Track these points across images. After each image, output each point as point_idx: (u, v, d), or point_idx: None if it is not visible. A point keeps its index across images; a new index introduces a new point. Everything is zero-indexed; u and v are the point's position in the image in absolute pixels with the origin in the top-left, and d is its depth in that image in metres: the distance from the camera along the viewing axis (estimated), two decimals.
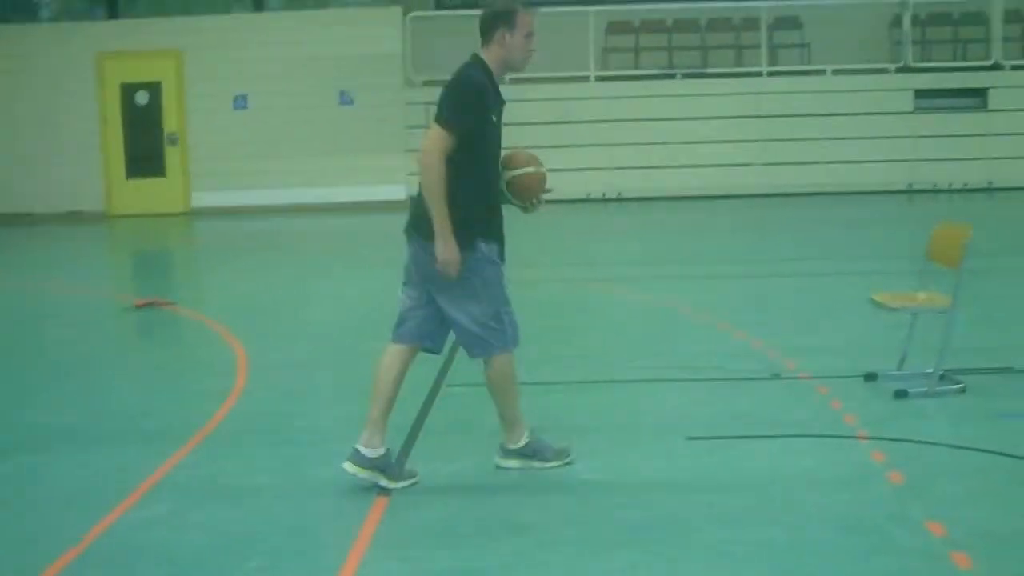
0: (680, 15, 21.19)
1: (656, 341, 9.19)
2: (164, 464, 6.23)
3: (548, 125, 19.40)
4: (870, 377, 7.45)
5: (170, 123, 20.87)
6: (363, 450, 5.75)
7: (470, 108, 5.62)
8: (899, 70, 20.40)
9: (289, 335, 9.96)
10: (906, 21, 20.46)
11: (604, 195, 19.83)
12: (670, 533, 5.12)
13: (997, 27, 20.49)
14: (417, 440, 6.54)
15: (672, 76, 20.22)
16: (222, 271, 14.82)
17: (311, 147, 20.33)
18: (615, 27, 20.94)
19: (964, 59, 20.86)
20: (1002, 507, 5.36)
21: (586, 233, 16.95)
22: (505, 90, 5.89)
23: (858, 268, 11.90)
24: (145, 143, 20.91)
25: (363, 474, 5.73)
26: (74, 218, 20.61)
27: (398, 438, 6.35)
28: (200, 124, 20.69)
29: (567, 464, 5.97)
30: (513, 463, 5.96)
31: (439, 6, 21.91)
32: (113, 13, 22.31)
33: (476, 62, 5.77)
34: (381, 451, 5.78)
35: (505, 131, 5.92)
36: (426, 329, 5.84)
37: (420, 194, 5.64)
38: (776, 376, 7.70)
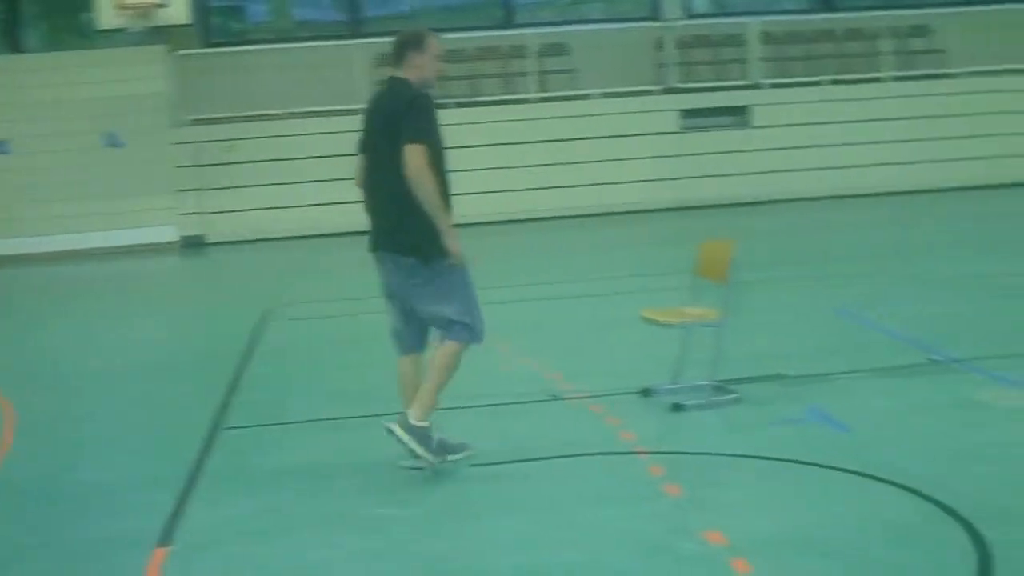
0: (448, 45, 21.24)
1: None
2: None
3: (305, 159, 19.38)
4: (646, 393, 7.57)
5: None
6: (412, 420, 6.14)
7: (432, 121, 6.19)
8: (664, 91, 20.92)
9: (67, 387, 9.58)
10: (668, 44, 21.01)
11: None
12: (472, 560, 5.10)
13: (755, 48, 21.22)
14: (196, 485, 6.34)
15: (445, 106, 20.31)
16: None
17: (79, 191, 19.64)
18: (384, 60, 20.90)
19: (725, 79, 21.52)
20: (778, 512, 5.49)
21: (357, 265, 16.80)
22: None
23: (631, 287, 12.06)
24: None
25: (406, 439, 6.11)
26: None
27: (175, 485, 6.16)
28: None
29: (449, 462, 6.23)
30: (403, 435, 6.15)
31: (207, 44, 21.49)
32: None
33: (402, 81, 6.28)
34: (426, 424, 6.16)
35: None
36: (419, 337, 6.49)
37: (389, 211, 6.22)
38: (555, 398, 7.75)
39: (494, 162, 19.97)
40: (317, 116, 19.76)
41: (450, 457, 6.23)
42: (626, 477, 6.09)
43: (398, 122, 6.09)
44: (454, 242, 6.17)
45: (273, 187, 19.72)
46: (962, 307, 10.27)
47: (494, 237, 18.52)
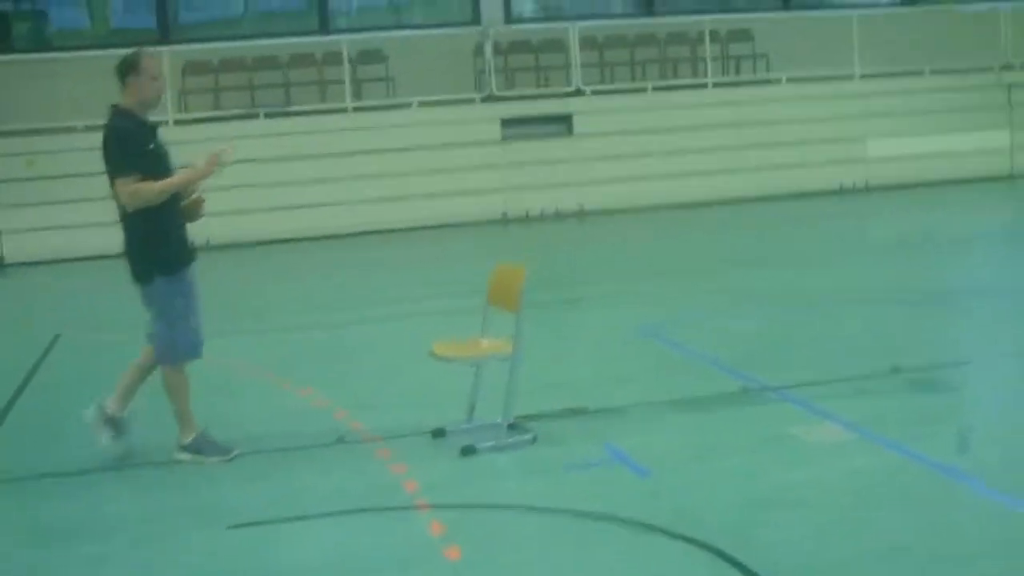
0: (260, 52, 20.49)
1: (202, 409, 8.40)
2: None
3: None
4: (438, 433, 7.02)
5: None
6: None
7: (127, 149, 6.56)
8: (484, 99, 20.42)
9: None
10: (488, 50, 20.51)
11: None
12: None
13: (575, 54, 20.84)
14: None
15: (255, 115, 19.52)
16: None
17: None
18: (193, 67, 20.01)
19: (547, 86, 21.13)
20: (562, 572, 4.98)
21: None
22: None
23: (435, 308, 11.47)
24: None
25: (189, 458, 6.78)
26: None
27: None
28: None
29: (232, 459, 6.77)
30: (184, 456, 6.81)
31: (5, 51, 20.30)
32: None
33: (116, 110, 6.69)
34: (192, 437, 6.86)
35: None
36: None
37: (123, 236, 6.75)
38: (341, 440, 7.13)
39: (307, 175, 19.23)
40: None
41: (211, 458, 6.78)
42: (402, 538, 5.51)
43: (105, 158, 6.60)
44: (196, 172, 6.74)
45: (79, 203, 18.68)
46: (779, 325, 9.95)
47: (299, 255, 17.83)
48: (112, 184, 6.61)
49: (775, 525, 5.35)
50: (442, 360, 6.88)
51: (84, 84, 19.02)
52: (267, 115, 19.43)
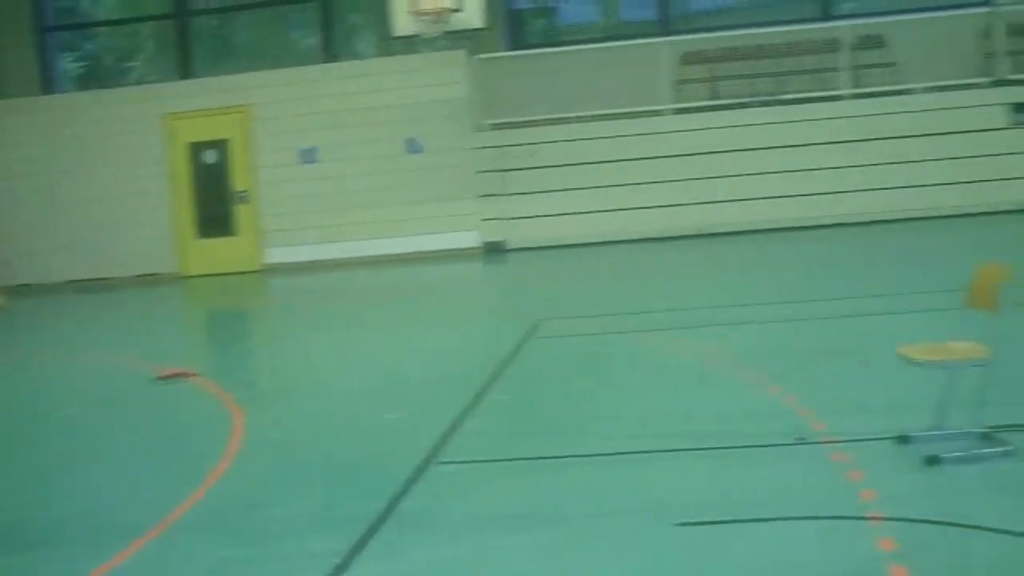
0: (758, 40, 20.31)
1: (671, 400, 8.34)
2: (100, 568, 5.60)
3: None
4: (903, 440, 6.54)
5: (239, 181, 20.55)
6: None
7: None
8: (993, 83, 19.19)
9: (302, 405, 9.35)
10: (999, 32, 19.25)
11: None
12: None
13: None
14: (379, 530, 5.82)
15: (750, 104, 19.39)
16: (267, 334, 14.37)
17: (382, 198, 19.85)
18: (690, 57, 20.16)
19: None
20: None
21: (640, 274, 16.11)
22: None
23: (922, 305, 10.86)
24: (215, 202, 20.63)
25: None
26: (149, 280, 20.41)
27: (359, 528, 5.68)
28: (269, 179, 20.35)
29: None
30: None
31: (514, 47, 21.28)
32: (185, 74, 22.13)
33: None
34: None
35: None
36: None
37: None
38: (802, 441, 6.81)
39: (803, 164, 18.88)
40: (620, 119, 19.23)
41: None
42: (847, 550, 5.14)
43: None
44: None
45: (574, 192, 19.30)
46: None
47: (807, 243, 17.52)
48: None
49: None
50: (912, 363, 6.42)
51: (580, 76, 19.65)
52: (762, 103, 19.20)
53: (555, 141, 19.56)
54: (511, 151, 19.76)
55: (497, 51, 20.60)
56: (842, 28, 19.85)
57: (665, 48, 19.98)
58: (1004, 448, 6.22)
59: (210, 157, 20.65)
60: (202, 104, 20.60)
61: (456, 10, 18.14)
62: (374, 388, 9.69)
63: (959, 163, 18.70)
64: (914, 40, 19.46)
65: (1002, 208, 18.54)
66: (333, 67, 20.90)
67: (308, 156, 20.19)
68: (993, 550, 5.05)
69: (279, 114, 20.24)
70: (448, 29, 18.38)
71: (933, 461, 6.13)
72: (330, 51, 21.73)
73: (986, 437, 6.30)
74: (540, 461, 6.90)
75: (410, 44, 19.56)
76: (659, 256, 17.70)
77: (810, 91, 19.64)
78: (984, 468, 6.07)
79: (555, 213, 19.46)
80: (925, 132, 18.86)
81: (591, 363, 9.93)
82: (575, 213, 19.28)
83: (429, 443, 7.43)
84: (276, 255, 20.24)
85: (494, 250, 19.67)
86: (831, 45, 19.89)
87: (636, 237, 18.85)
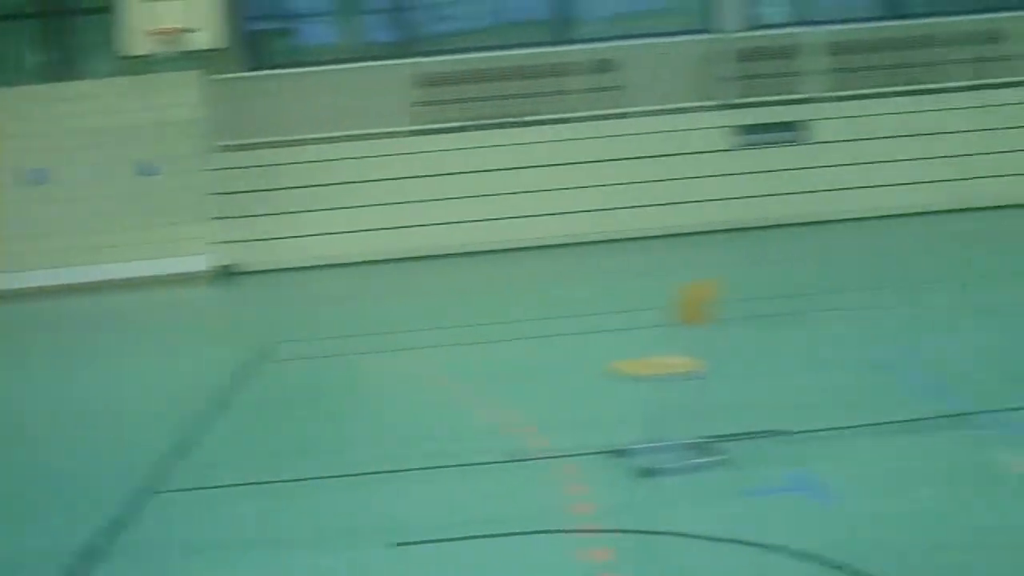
0: (492, 63, 20.65)
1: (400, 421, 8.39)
2: None
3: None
4: (620, 453, 6.73)
5: None
6: None
7: None
8: (718, 107, 20.02)
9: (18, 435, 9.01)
10: (729, 58, 20.11)
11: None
12: None
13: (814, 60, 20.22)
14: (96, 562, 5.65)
15: (484, 127, 19.71)
16: None
17: (111, 222, 19.20)
18: (426, 79, 20.35)
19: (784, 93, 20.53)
20: None
21: (382, 296, 16.12)
22: None
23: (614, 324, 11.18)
24: None
25: None
26: None
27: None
28: None
29: None
30: None
31: (253, 68, 20.94)
32: None
33: None
34: None
35: None
36: None
37: None
38: (518, 457, 6.94)
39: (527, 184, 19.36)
40: (356, 140, 19.24)
41: None
42: (560, 562, 5.27)
43: None
44: None
45: (314, 213, 19.21)
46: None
47: (514, 265, 17.80)
48: None
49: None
50: (628, 378, 6.64)
51: (318, 99, 19.62)
52: (496, 126, 19.53)
53: (295, 163, 19.42)
54: (249, 172, 19.52)
55: (236, 72, 20.29)
56: (575, 52, 20.34)
57: (403, 70, 20.10)
58: (718, 457, 6.48)
59: None
60: None
61: (192, 30, 17.82)
62: (98, 414, 9.41)
63: (686, 183, 19.41)
64: (643, 65, 20.12)
65: (722, 227, 19.28)
66: (63, 86, 20.17)
67: (37, 177, 19.42)
68: (699, 555, 5.26)
69: (7, 133, 19.41)
70: (184, 49, 18.04)
71: (648, 473, 6.34)
72: (62, 70, 20.98)
73: (700, 447, 6.54)
74: (267, 486, 6.83)
75: (146, 64, 19.05)
76: (399, 277, 17.71)
77: (542, 113, 20.07)
78: (694, 478, 6.31)
79: (294, 235, 19.31)
80: (652, 154, 19.51)
81: (318, 388, 9.88)
82: (314, 235, 19.16)
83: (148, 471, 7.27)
84: (1, 281, 19.36)
85: (227, 273, 19.26)
86: (564, 69, 20.36)
87: (381, 258, 18.81)
